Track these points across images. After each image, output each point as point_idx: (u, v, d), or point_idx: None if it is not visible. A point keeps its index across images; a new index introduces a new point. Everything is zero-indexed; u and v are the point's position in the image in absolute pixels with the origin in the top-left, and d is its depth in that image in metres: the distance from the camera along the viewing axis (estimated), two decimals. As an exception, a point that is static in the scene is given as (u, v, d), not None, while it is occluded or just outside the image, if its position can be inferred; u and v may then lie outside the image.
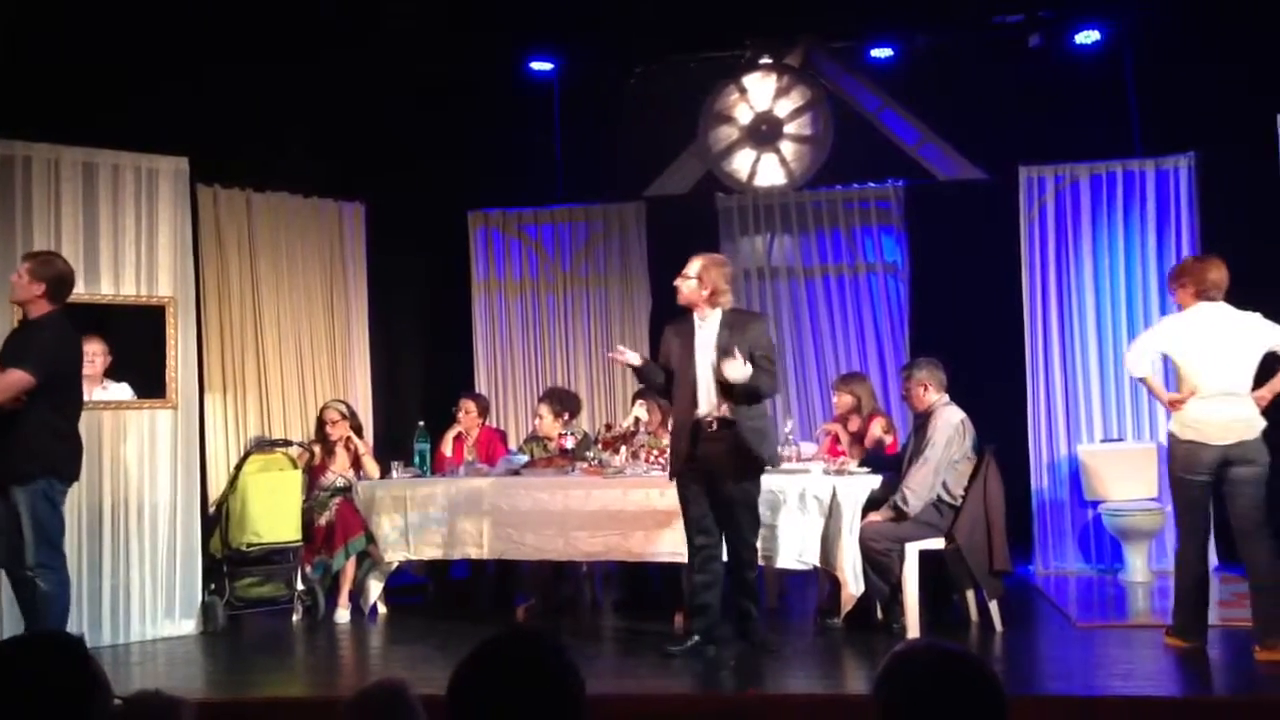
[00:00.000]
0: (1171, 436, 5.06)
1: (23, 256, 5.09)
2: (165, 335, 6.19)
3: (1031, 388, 7.33)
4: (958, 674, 1.81)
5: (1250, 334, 4.93)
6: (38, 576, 4.89)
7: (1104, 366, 7.27)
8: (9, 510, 4.91)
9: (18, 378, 4.79)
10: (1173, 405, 5.03)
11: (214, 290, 7.15)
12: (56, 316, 4.97)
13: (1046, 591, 6.70)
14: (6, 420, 4.86)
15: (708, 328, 5.24)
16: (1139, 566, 6.81)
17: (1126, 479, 6.98)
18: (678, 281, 5.32)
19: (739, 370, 5.01)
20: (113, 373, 6.12)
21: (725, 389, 5.11)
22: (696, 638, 5.28)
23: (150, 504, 6.08)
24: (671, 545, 5.81)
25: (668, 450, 6.17)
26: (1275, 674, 4.68)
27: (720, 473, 5.17)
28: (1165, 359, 5.30)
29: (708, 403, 5.18)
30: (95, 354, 5.97)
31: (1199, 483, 4.97)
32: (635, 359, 5.43)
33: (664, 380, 5.40)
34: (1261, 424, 4.93)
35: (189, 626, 6.16)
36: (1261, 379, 4.99)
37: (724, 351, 5.08)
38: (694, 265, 5.29)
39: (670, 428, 5.61)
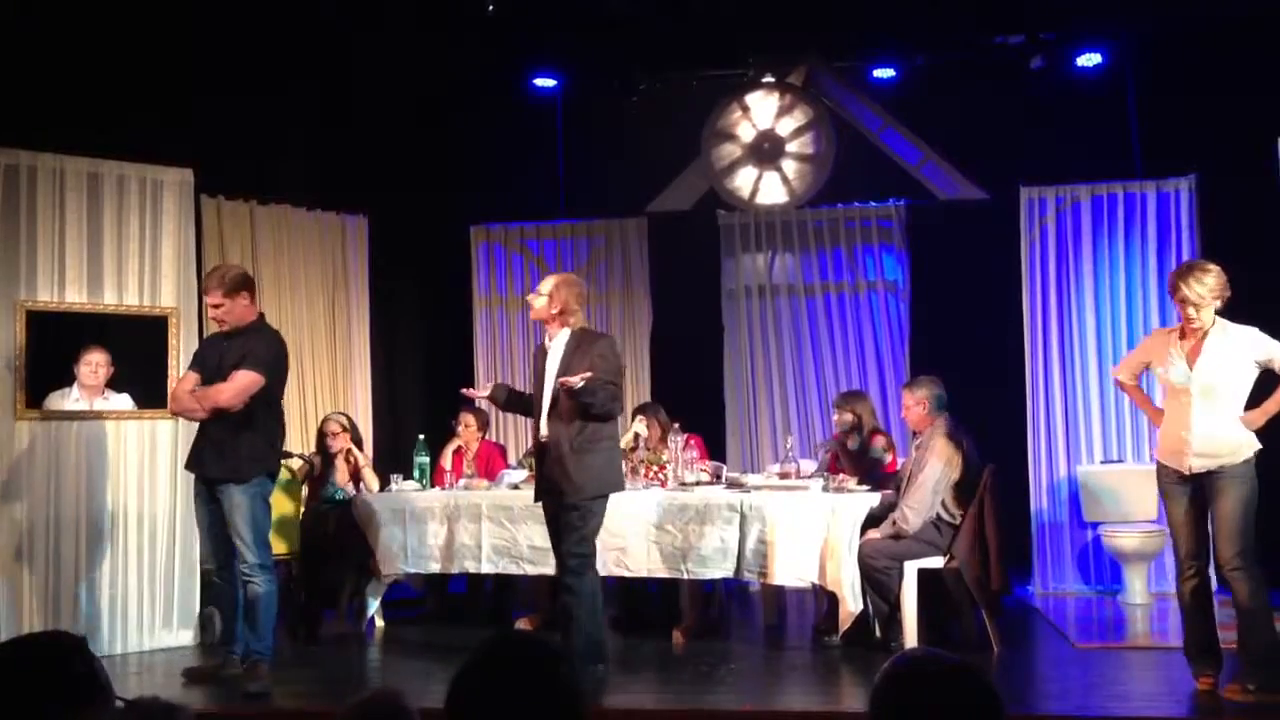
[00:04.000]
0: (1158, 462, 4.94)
1: (206, 288, 5.35)
2: (167, 346, 6.21)
3: (1031, 408, 7.33)
4: (956, 685, 1.80)
5: (1241, 348, 4.74)
6: (256, 577, 5.18)
7: (1104, 387, 7.28)
8: (218, 512, 5.21)
9: (251, 379, 5.13)
10: (1152, 420, 5.02)
11: (216, 301, 7.15)
12: (262, 320, 5.40)
13: (1045, 612, 6.69)
14: (233, 421, 5.16)
15: (555, 348, 5.20)
16: (1138, 588, 6.81)
17: (1126, 500, 6.98)
18: (530, 297, 5.33)
19: (576, 383, 4.93)
20: (114, 383, 6.12)
21: (574, 410, 5.07)
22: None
23: (149, 514, 6.08)
24: (671, 562, 5.82)
25: (667, 465, 6.21)
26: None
27: (557, 494, 5.15)
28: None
29: (547, 424, 5.17)
30: (98, 364, 5.99)
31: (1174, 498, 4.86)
32: (485, 391, 5.46)
33: (525, 403, 5.43)
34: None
35: (186, 637, 6.16)
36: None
37: (565, 372, 5.06)
38: (546, 283, 5.26)
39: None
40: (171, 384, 6.20)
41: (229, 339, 5.28)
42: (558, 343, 5.18)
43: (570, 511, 5.11)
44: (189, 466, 5.40)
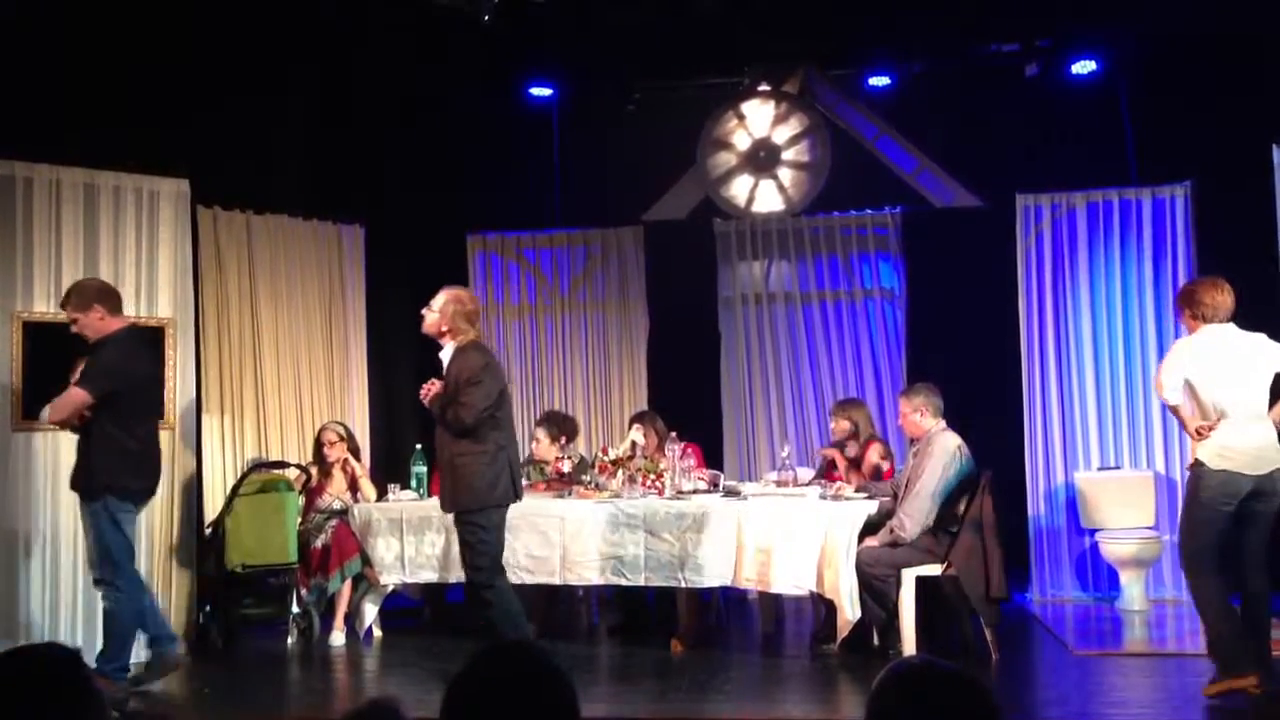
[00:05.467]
0: (1201, 466, 4.79)
1: (62, 304, 5.28)
2: (164, 356, 6.20)
3: (1028, 415, 7.34)
4: (954, 692, 1.80)
5: (1261, 355, 4.82)
6: (103, 590, 5.21)
7: (1101, 394, 7.28)
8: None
9: (72, 396, 5.07)
10: (1199, 434, 4.81)
11: (213, 311, 7.16)
12: (124, 331, 5.26)
13: (1043, 619, 6.69)
14: (81, 438, 5.18)
15: (444, 362, 5.32)
16: (1136, 595, 6.80)
17: (1124, 507, 6.98)
18: (424, 311, 5.37)
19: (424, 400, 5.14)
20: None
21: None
22: None
23: (146, 524, 6.06)
24: (669, 570, 5.82)
25: (664, 474, 6.21)
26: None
27: (445, 507, 5.24)
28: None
29: (436, 437, 5.26)
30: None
31: (1226, 513, 4.75)
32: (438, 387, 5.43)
33: None
34: None
35: (184, 647, 6.13)
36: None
37: (448, 386, 5.16)
38: (438, 299, 5.35)
39: None
40: (169, 394, 6.21)
41: (89, 352, 5.23)
42: (444, 356, 5.30)
43: (460, 527, 5.20)
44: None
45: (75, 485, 5.24)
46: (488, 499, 5.12)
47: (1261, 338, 4.87)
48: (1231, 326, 4.87)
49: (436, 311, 5.29)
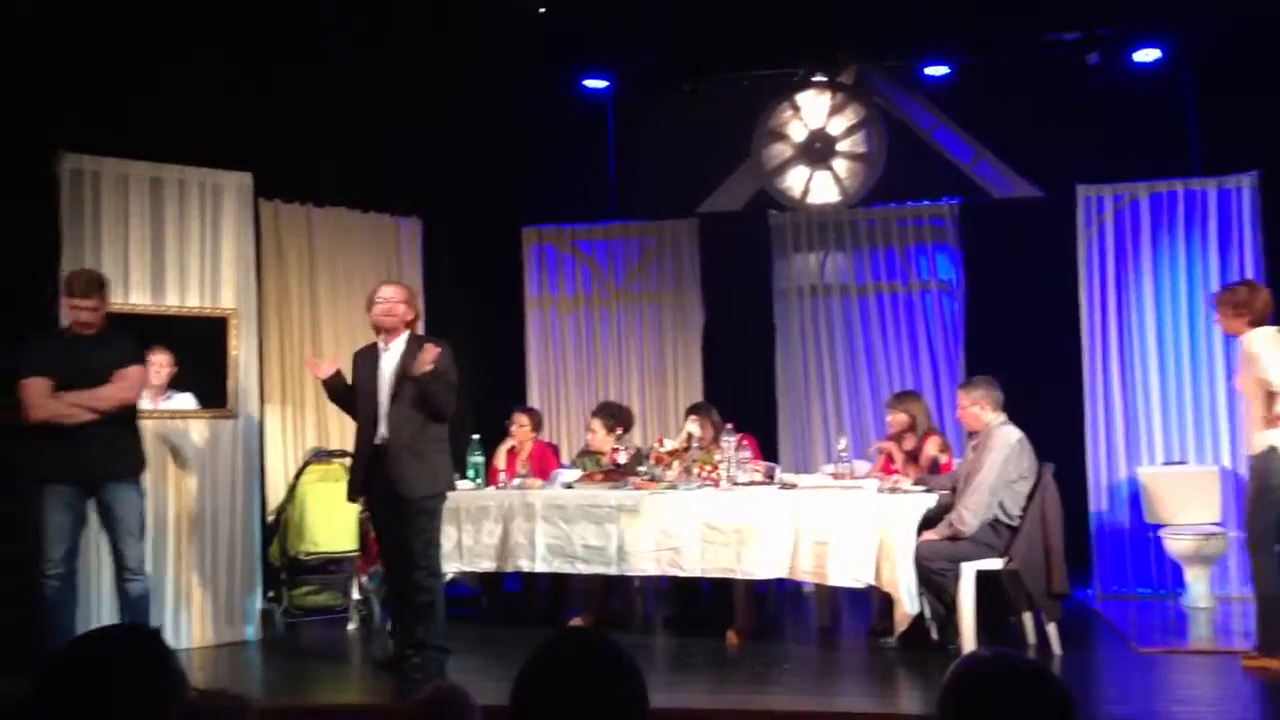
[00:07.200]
0: (1275, 451, 4.97)
1: (79, 291, 5.18)
2: (227, 346, 6.31)
3: (1090, 408, 7.24)
4: (1029, 686, 1.77)
5: None
6: (140, 576, 5.29)
7: (1165, 387, 7.16)
8: (81, 517, 5.16)
9: (142, 371, 5.33)
10: None
11: (274, 303, 7.26)
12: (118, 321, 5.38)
13: (1105, 615, 6.60)
14: (122, 419, 5.19)
15: (393, 350, 5.32)
16: (1201, 591, 6.69)
17: (1189, 502, 6.86)
18: (386, 300, 5.35)
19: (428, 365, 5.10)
20: (177, 383, 6.23)
21: (414, 409, 5.19)
22: (409, 652, 5.31)
23: (211, 512, 6.18)
24: (725, 562, 5.81)
25: (720, 465, 6.20)
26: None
27: (394, 495, 5.22)
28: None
29: (386, 424, 5.26)
30: (161, 364, 6.10)
31: None
32: (329, 369, 5.43)
33: (351, 399, 5.44)
34: None
35: (248, 633, 6.25)
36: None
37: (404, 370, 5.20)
38: (397, 290, 5.41)
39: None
40: (231, 384, 6.29)
41: (88, 341, 5.15)
42: (396, 345, 5.32)
43: (416, 514, 5.20)
44: (57, 477, 5.07)
45: (111, 470, 5.15)
46: (450, 485, 5.41)
47: None
48: None
49: (403, 303, 5.36)
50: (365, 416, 5.34)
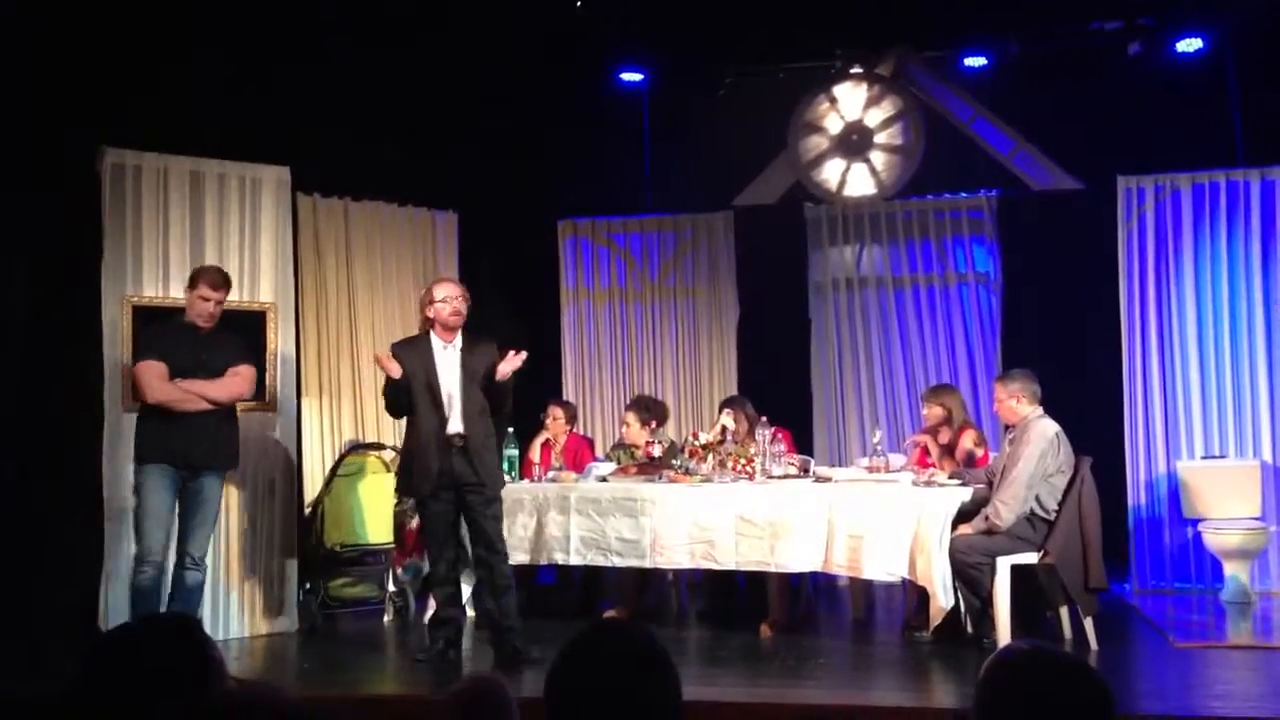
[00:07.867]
0: None
1: (215, 283, 5.45)
2: (265, 339, 6.37)
3: (1129, 402, 7.16)
4: (1068, 679, 1.76)
5: None
6: (201, 566, 5.46)
7: (1205, 381, 7.07)
8: (172, 501, 5.37)
9: (254, 373, 5.69)
10: None
11: (312, 296, 7.33)
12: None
13: (1143, 610, 6.54)
14: (227, 412, 5.48)
15: (454, 347, 5.41)
16: (1241, 587, 6.61)
17: (1229, 497, 6.78)
18: (462, 299, 5.42)
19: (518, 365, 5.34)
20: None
21: (483, 405, 5.37)
22: (442, 644, 5.44)
23: (250, 502, 6.25)
24: (759, 555, 5.81)
25: (754, 459, 6.19)
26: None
27: (470, 488, 5.37)
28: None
29: (462, 420, 5.35)
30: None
31: None
32: (396, 371, 5.40)
33: (407, 396, 5.43)
34: None
35: (285, 624, 6.32)
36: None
37: (469, 368, 5.35)
38: (462, 288, 5.49)
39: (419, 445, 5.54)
40: (270, 376, 6.36)
41: (204, 334, 5.42)
42: (457, 342, 5.41)
43: (492, 504, 5.42)
44: (160, 457, 5.28)
45: (212, 459, 5.39)
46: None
47: None
48: None
49: (466, 299, 5.46)
50: (427, 412, 5.36)
